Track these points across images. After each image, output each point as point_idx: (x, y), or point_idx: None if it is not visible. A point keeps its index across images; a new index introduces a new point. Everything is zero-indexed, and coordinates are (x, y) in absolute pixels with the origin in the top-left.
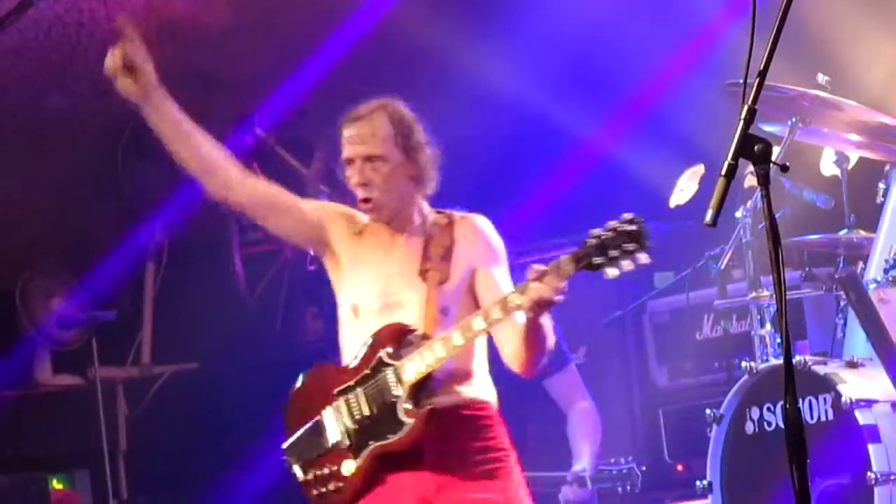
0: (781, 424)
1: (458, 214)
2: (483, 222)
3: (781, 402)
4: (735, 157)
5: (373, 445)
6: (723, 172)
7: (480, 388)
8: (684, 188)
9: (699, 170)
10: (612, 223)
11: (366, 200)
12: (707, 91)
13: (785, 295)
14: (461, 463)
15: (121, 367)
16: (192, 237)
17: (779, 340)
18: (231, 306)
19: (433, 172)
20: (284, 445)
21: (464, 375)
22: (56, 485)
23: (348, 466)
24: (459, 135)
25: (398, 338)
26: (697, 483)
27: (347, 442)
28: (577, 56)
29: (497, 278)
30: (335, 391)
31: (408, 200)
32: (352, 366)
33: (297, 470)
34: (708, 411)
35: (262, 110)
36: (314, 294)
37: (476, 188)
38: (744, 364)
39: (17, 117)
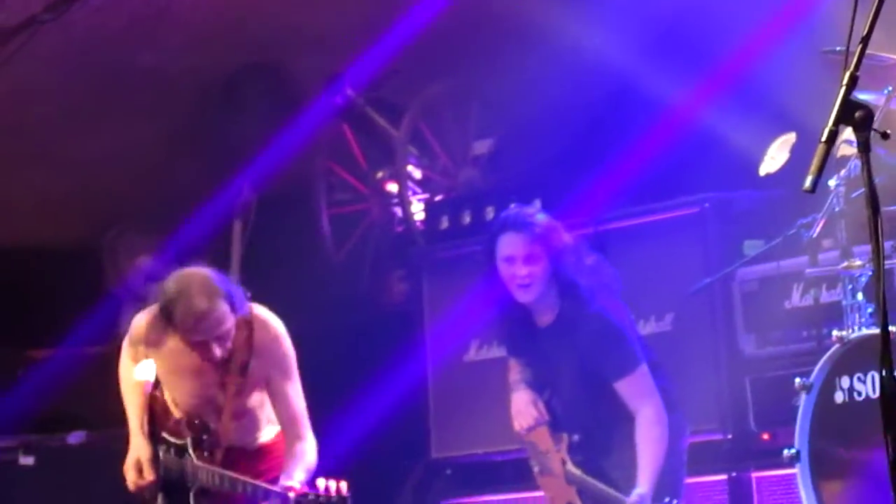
0: (872, 394)
1: (256, 317)
2: (280, 334)
3: (872, 372)
4: (836, 123)
5: None
6: (823, 138)
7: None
8: (775, 156)
9: (790, 138)
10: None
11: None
12: (801, 58)
13: (883, 262)
14: None
15: None
16: (280, 195)
17: (870, 310)
18: (317, 266)
19: None
20: None
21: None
22: None
23: None
24: (550, 99)
25: None
26: (785, 452)
27: None
28: (670, 21)
29: (289, 393)
30: None
31: None
32: None
33: None
34: (797, 380)
35: (352, 70)
36: (400, 256)
37: (567, 154)
38: (834, 333)
39: (109, 75)
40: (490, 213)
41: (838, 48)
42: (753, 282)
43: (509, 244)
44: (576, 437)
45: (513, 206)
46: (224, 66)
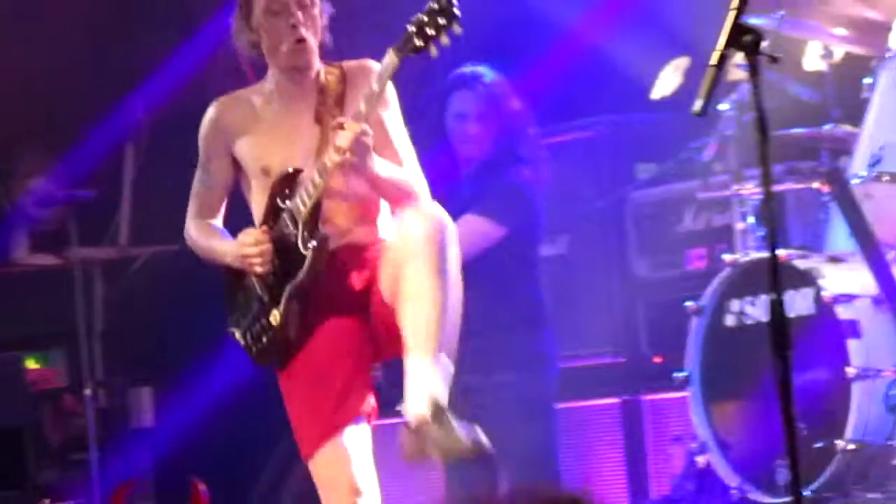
0: (762, 318)
1: (348, 63)
2: (373, 64)
3: (762, 296)
4: (725, 47)
5: (287, 288)
6: (713, 62)
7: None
8: (668, 80)
9: (683, 62)
10: (427, 7)
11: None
12: None
13: (771, 187)
14: (390, 283)
15: (99, 248)
16: (174, 117)
17: (760, 234)
18: None
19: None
20: (228, 322)
21: (366, 216)
22: (32, 364)
23: (274, 316)
24: None
25: (289, 183)
26: (675, 375)
27: (268, 296)
28: None
29: (385, 121)
30: None
31: None
32: (259, 224)
33: (238, 336)
34: (688, 303)
35: None
36: None
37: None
38: (725, 256)
39: None
40: None
41: None
42: (646, 205)
43: (461, 101)
44: None
45: (467, 65)
46: None
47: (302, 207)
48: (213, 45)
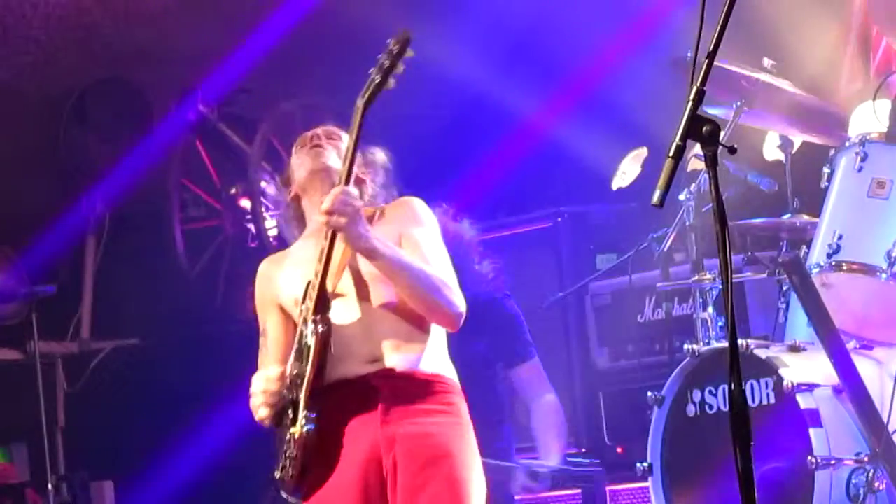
0: (723, 407)
1: (396, 200)
2: (412, 199)
3: (723, 385)
4: (683, 138)
5: (302, 395)
6: (670, 153)
7: (428, 361)
8: (627, 171)
9: (642, 152)
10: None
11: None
12: (651, 74)
13: (731, 276)
14: (412, 420)
15: (60, 342)
16: (133, 211)
17: (721, 323)
18: (171, 282)
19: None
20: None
21: (406, 342)
22: None
23: (292, 431)
24: (402, 114)
25: (305, 292)
26: (638, 465)
27: (292, 413)
28: (521, 36)
29: (418, 237)
30: None
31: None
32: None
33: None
34: (649, 394)
35: (205, 86)
36: (254, 271)
37: (419, 168)
38: (686, 346)
39: None
40: None
41: (688, 54)
42: (606, 295)
43: None
44: None
45: None
46: (74, 82)
47: (309, 302)
48: (172, 139)
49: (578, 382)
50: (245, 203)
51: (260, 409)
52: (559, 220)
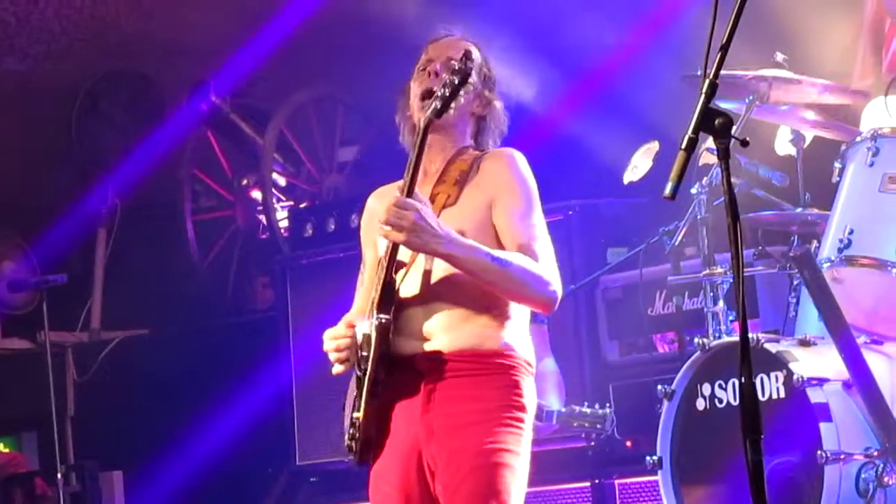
0: (733, 401)
1: (495, 150)
2: (508, 156)
3: (733, 379)
4: (695, 131)
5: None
6: (683, 146)
7: (491, 337)
8: (638, 164)
9: (654, 146)
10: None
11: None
12: (663, 69)
13: (742, 270)
14: (451, 409)
15: (71, 332)
16: (145, 202)
17: (731, 318)
18: (182, 273)
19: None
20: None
21: (465, 318)
22: (3, 447)
23: (356, 413)
24: None
25: (381, 291)
26: (647, 459)
27: (358, 390)
28: (536, 31)
29: (510, 208)
30: None
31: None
32: None
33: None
34: (659, 387)
35: (217, 77)
36: (265, 262)
37: None
38: (696, 340)
39: None
40: (354, 220)
41: (698, 72)
42: (617, 289)
43: None
44: None
45: None
46: (88, 74)
47: (374, 293)
48: (184, 130)
49: (588, 375)
50: (256, 194)
51: (334, 366)
52: (570, 213)
